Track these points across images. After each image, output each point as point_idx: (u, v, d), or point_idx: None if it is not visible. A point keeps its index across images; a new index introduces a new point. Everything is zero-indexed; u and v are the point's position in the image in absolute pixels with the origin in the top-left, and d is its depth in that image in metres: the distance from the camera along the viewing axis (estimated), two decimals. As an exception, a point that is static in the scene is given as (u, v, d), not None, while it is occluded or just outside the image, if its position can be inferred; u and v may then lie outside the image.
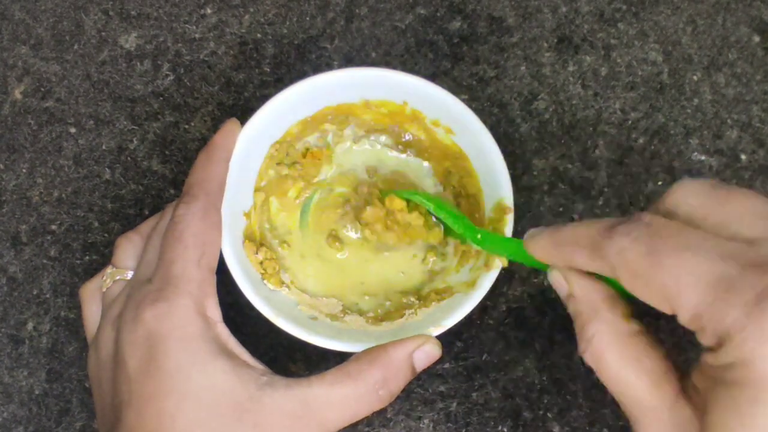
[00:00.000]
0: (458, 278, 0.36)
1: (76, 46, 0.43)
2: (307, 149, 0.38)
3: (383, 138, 0.39)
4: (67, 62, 0.43)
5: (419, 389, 0.38)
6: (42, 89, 0.42)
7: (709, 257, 0.21)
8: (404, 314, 0.35)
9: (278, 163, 0.37)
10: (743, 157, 0.41)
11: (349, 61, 0.42)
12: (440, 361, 0.33)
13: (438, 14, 0.43)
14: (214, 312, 0.31)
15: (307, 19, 0.43)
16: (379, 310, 0.36)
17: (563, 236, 0.26)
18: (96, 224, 0.41)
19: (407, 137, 0.38)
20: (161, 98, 0.42)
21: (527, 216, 0.40)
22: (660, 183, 0.40)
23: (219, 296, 0.32)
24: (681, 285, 0.21)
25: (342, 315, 0.36)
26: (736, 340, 0.20)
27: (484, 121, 0.34)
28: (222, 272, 0.33)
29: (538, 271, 0.39)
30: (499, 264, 0.33)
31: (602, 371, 0.25)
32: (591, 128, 0.41)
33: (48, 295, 0.40)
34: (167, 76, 0.42)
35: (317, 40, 0.43)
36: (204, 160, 0.33)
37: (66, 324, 0.40)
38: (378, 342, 0.31)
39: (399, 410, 0.38)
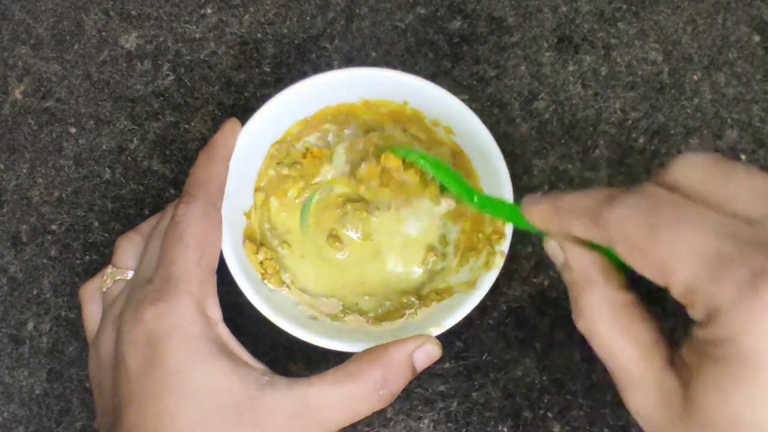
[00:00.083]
0: (458, 278, 0.36)
1: (76, 46, 0.43)
2: (307, 149, 0.38)
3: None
4: (67, 62, 0.43)
5: (419, 389, 0.38)
6: (42, 89, 0.42)
7: (707, 233, 0.21)
8: (404, 314, 0.35)
9: (278, 163, 0.38)
10: (743, 157, 0.41)
11: (349, 61, 0.42)
12: (440, 361, 0.33)
13: (438, 14, 0.43)
14: (215, 312, 0.31)
15: (307, 19, 0.43)
16: (379, 310, 0.36)
17: (563, 203, 0.26)
18: (96, 224, 0.41)
19: (406, 137, 0.38)
20: (161, 98, 0.42)
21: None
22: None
23: (219, 296, 0.32)
24: (676, 259, 0.21)
25: (342, 315, 0.36)
26: (725, 317, 0.20)
27: (484, 121, 0.34)
28: (222, 272, 0.33)
29: (539, 271, 0.39)
30: (499, 264, 0.33)
31: (594, 339, 0.25)
32: (591, 128, 0.41)
33: (48, 295, 0.40)
34: (167, 76, 0.42)
35: (317, 40, 0.43)
36: (204, 159, 0.33)
37: (66, 324, 0.40)
38: (378, 342, 0.31)
39: (399, 410, 0.38)
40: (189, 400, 0.28)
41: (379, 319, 0.36)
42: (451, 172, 0.35)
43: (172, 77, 0.42)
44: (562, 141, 0.41)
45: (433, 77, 0.38)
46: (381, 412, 0.37)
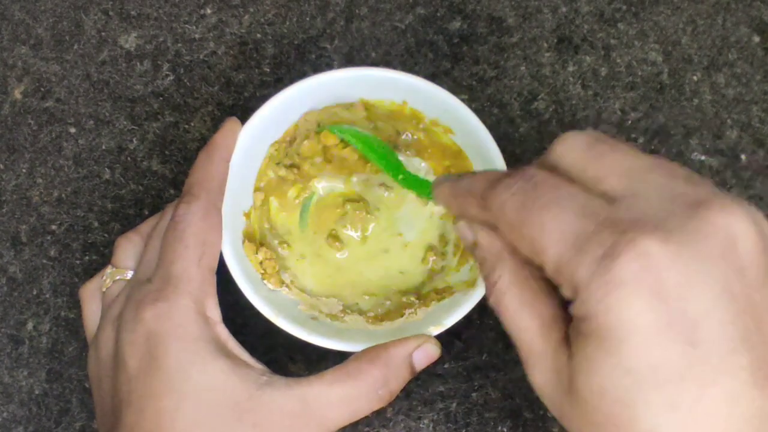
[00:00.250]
0: (458, 278, 0.36)
1: (76, 46, 0.43)
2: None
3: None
4: (67, 62, 0.43)
5: (419, 389, 0.38)
6: (42, 89, 0.42)
7: (571, 213, 0.22)
8: (404, 314, 0.35)
9: (278, 163, 0.38)
10: (743, 157, 0.41)
11: (348, 62, 0.42)
12: (440, 361, 0.33)
13: (438, 14, 0.43)
14: (214, 312, 0.31)
15: (307, 19, 0.43)
16: (379, 310, 0.36)
17: (460, 186, 0.26)
18: (96, 224, 0.41)
19: (406, 137, 0.38)
20: (161, 98, 0.42)
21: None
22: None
23: (219, 296, 0.32)
24: (545, 239, 0.22)
25: (342, 315, 0.36)
26: (584, 294, 0.21)
27: (484, 121, 0.34)
28: (222, 272, 0.33)
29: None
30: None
31: (502, 314, 0.25)
32: (591, 128, 0.41)
33: (48, 295, 0.40)
34: (167, 76, 0.42)
35: (317, 40, 0.43)
36: (204, 159, 0.33)
37: (66, 324, 0.40)
38: (378, 342, 0.31)
39: (399, 410, 0.38)
40: (188, 400, 0.28)
41: (379, 318, 0.36)
42: (379, 150, 0.36)
43: (171, 77, 0.42)
44: (562, 141, 0.41)
45: (432, 77, 0.38)
46: (380, 412, 0.37)
